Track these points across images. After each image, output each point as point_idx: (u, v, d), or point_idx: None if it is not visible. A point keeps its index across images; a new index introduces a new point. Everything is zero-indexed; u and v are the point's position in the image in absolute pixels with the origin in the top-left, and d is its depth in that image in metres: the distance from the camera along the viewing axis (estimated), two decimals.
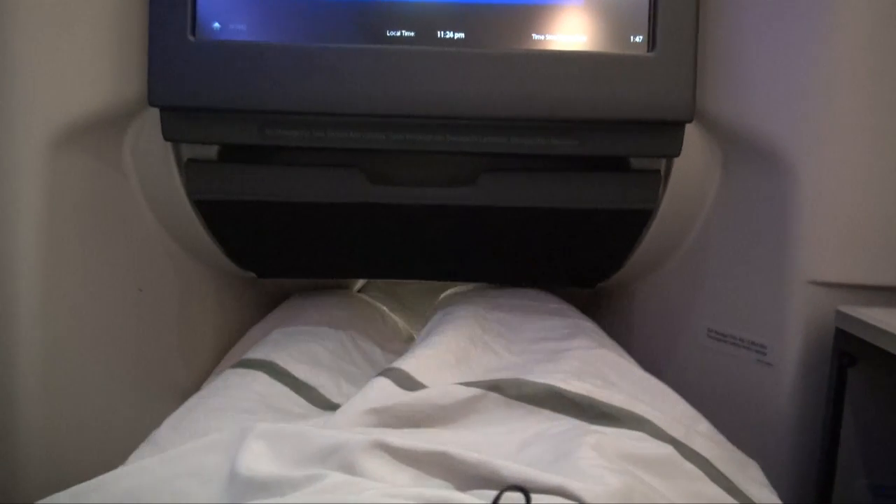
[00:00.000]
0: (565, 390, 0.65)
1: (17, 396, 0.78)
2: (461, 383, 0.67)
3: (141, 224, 0.90)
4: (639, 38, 0.81)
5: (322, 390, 0.78)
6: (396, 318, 1.20)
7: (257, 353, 0.84)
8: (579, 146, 0.84)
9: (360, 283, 1.33)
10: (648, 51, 0.80)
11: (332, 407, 0.74)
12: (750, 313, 0.88)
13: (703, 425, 0.70)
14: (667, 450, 0.59)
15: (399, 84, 0.79)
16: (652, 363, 0.86)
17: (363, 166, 0.88)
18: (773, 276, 0.84)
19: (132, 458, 0.64)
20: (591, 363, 0.75)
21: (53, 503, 0.54)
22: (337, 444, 0.54)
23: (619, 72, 0.80)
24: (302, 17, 0.81)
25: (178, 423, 0.69)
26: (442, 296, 1.19)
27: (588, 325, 0.92)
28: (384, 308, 1.21)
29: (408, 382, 0.69)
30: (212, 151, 0.88)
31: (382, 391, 0.67)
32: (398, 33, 0.80)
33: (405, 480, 0.52)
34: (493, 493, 0.46)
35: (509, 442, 0.60)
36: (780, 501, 0.64)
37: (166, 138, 0.83)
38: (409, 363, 0.72)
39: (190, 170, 0.87)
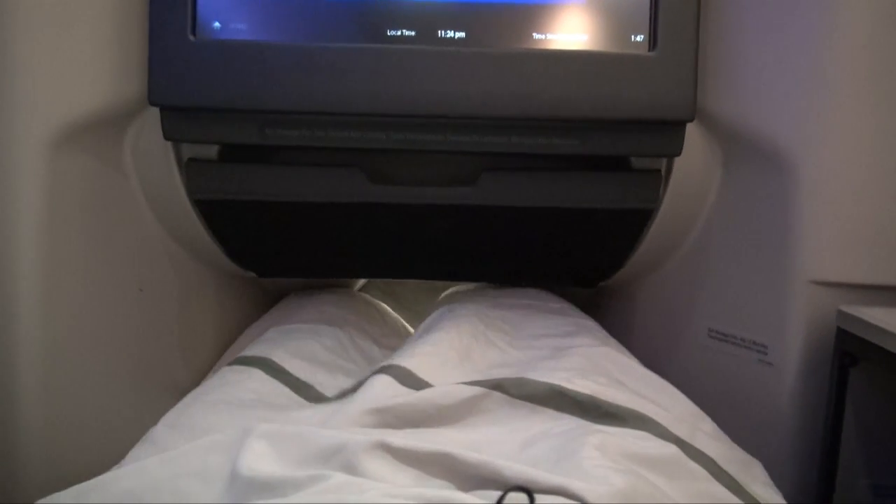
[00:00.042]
0: (568, 389, 0.65)
1: (18, 396, 0.78)
2: (464, 382, 0.67)
3: (141, 224, 0.90)
4: (640, 38, 0.81)
5: (319, 387, 0.78)
6: (396, 316, 1.20)
7: (254, 351, 0.84)
8: (580, 146, 0.84)
9: (361, 282, 1.33)
10: (649, 50, 0.80)
11: None
12: (751, 313, 0.88)
13: (707, 424, 0.70)
14: (671, 449, 0.59)
15: (400, 83, 0.79)
16: (653, 363, 0.86)
17: (364, 166, 0.88)
18: (774, 275, 0.84)
19: (129, 456, 0.64)
20: (594, 360, 0.75)
21: (54, 503, 0.54)
22: (339, 444, 0.54)
23: (619, 71, 0.80)
24: (302, 16, 0.81)
25: (174, 420, 0.68)
26: (442, 295, 1.19)
27: (590, 323, 0.92)
28: (384, 306, 1.21)
29: (411, 380, 0.69)
30: (212, 151, 0.88)
31: (385, 390, 0.67)
32: (399, 33, 0.80)
33: (407, 481, 0.52)
34: (496, 493, 0.46)
35: (512, 441, 0.60)
36: (784, 501, 0.64)
37: (166, 138, 0.82)
38: (412, 361, 0.72)
39: (190, 169, 0.87)
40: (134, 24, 0.79)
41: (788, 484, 0.81)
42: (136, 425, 0.70)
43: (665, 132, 0.84)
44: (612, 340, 0.87)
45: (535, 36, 0.81)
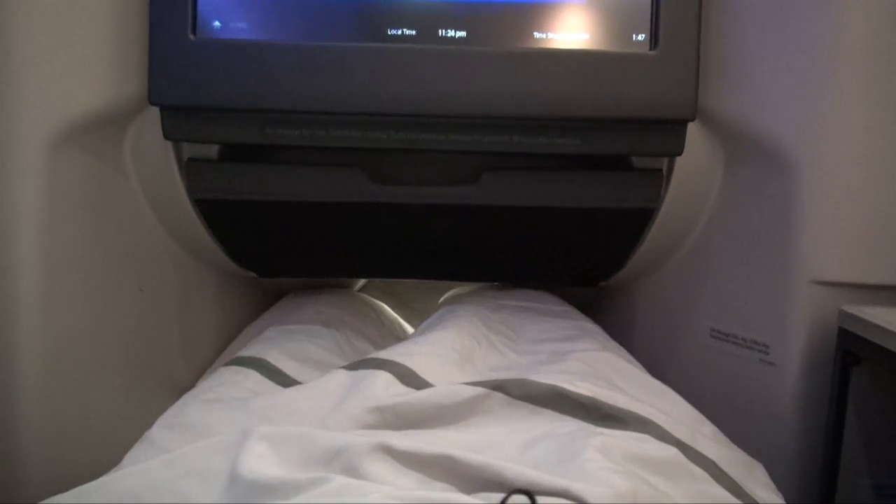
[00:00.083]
0: (570, 391, 0.65)
1: (18, 396, 0.77)
2: (465, 383, 0.66)
3: (141, 223, 0.90)
4: (641, 37, 0.80)
5: None
6: (396, 317, 1.20)
7: (250, 351, 0.84)
8: (581, 145, 0.83)
9: (361, 282, 1.33)
10: (651, 49, 0.80)
11: None
12: (753, 313, 0.88)
13: (708, 427, 0.70)
14: (672, 452, 0.59)
15: (400, 83, 0.79)
16: (654, 363, 0.86)
17: (364, 165, 0.88)
18: (776, 275, 0.84)
19: (128, 457, 0.64)
20: (594, 366, 0.75)
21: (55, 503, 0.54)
22: (340, 446, 0.54)
23: (621, 70, 0.79)
24: (303, 15, 0.80)
25: (171, 421, 0.68)
26: (443, 297, 1.19)
27: (591, 327, 0.92)
28: (383, 307, 1.21)
29: (412, 379, 0.69)
30: (212, 150, 0.88)
31: (386, 388, 0.66)
32: (399, 32, 0.80)
33: (409, 483, 0.52)
34: (498, 495, 0.46)
35: (513, 442, 0.60)
36: (784, 502, 0.63)
37: (167, 137, 0.82)
38: (413, 359, 0.72)
39: (190, 169, 0.87)
40: (134, 23, 0.79)
41: (790, 484, 0.81)
42: (136, 425, 0.70)
43: (666, 131, 0.84)
44: (613, 344, 0.87)
45: (536, 35, 0.81)
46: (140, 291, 0.90)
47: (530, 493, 0.45)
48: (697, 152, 0.87)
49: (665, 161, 0.89)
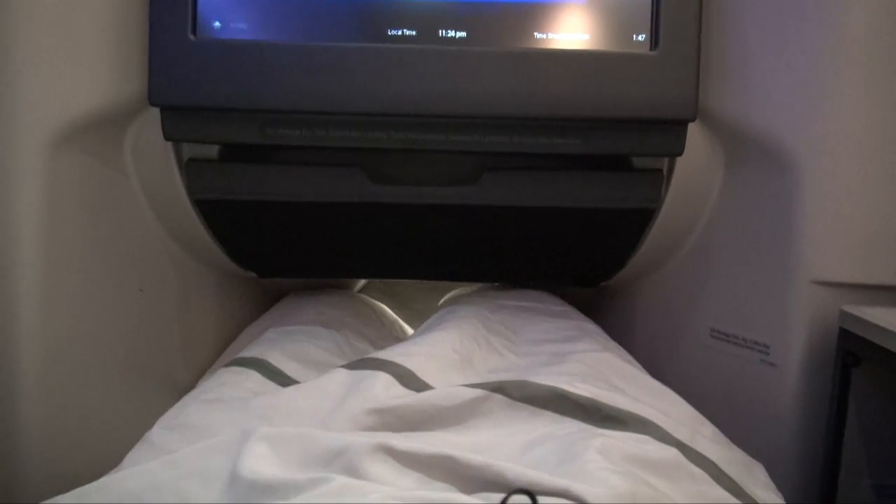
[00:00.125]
0: (570, 392, 0.65)
1: (18, 396, 0.77)
2: (465, 384, 0.66)
3: (141, 224, 0.90)
4: (641, 37, 0.80)
5: None
6: (395, 318, 1.20)
7: (251, 352, 0.84)
8: (582, 145, 0.83)
9: (361, 282, 1.33)
10: (651, 49, 0.80)
11: None
12: (753, 313, 0.88)
13: (708, 428, 0.70)
14: (672, 452, 0.58)
15: (400, 83, 0.79)
16: (655, 363, 0.86)
17: (364, 165, 0.88)
18: (776, 275, 0.84)
19: (128, 458, 0.64)
20: (594, 367, 0.75)
21: None
22: (341, 447, 0.54)
23: (621, 70, 0.79)
24: (303, 15, 0.80)
25: (171, 422, 0.68)
26: (444, 298, 1.19)
27: (591, 327, 0.92)
28: (383, 307, 1.21)
29: (412, 381, 0.69)
30: (212, 151, 0.88)
31: (386, 390, 0.66)
32: (399, 32, 0.80)
33: (409, 484, 0.52)
34: (499, 496, 0.46)
35: (513, 444, 0.60)
36: (784, 503, 0.63)
37: (167, 138, 0.82)
38: (413, 360, 0.72)
39: (190, 169, 0.87)
40: (134, 23, 0.79)
41: (791, 484, 0.82)
42: (137, 425, 0.70)
43: (667, 132, 0.84)
44: (613, 344, 0.87)
45: (537, 35, 0.81)
46: (140, 292, 0.90)
47: (531, 493, 0.45)
48: (698, 152, 0.87)
49: (665, 161, 0.89)
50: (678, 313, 0.99)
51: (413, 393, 0.67)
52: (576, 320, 0.94)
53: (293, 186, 0.88)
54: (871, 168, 0.79)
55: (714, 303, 0.93)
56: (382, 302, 1.24)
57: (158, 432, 0.67)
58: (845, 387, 0.78)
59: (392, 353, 0.74)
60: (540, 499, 0.45)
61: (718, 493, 0.58)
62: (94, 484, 0.55)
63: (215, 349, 1.02)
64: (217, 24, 0.80)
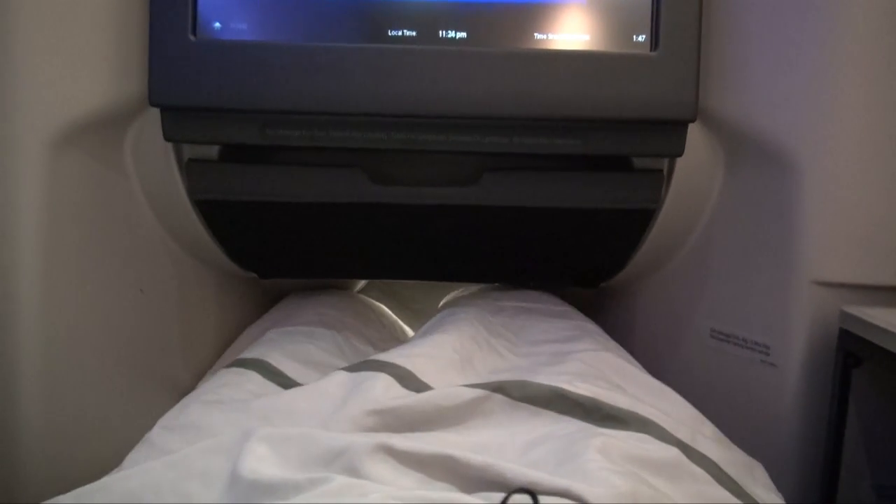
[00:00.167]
0: (570, 392, 0.65)
1: (18, 396, 0.77)
2: (465, 385, 0.66)
3: (141, 224, 0.90)
4: (641, 38, 0.80)
5: None
6: (396, 318, 1.20)
7: (251, 353, 0.84)
8: (582, 146, 0.83)
9: (361, 283, 1.33)
10: (651, 50, 0.80)
11: None
12: (753, 313, 0.88)
13: (708, 428, 0.69)
14: (672, 452, 0.58)
15: (401, 83, 0.79)
16: (655, 363, 0.86)
17: (365, 166, 0.88)
18: (776, 276, 0.84)
19: (128, 459, 0.64)
20: (594, 366, 0.75)
21: None
22: (341, 447, 0.54)
23: (621, 71, 0.79)
24: (303, 16, 0.80)
25: (171, 422, 0.68)
26: (444, 300, 1.19)
27: (591, 327, 0.92)
28: (383, 308, 1.21)
29: (412, 382, 0.69)
30: (213, 151, 0.88)
31: (386, 391, 0.66)
32: (400, 33, 0.80)
33: (410, 483, 0.52)
34: (499, 495, 0.46)
35: (514, 444, 0.60)
36: (784, 503, 0.63)
37: (167, 138, 0.82)
38: (413, 361, 0.72)
39: (191, 170, 0.87)
40: (134, 24, 0.79)
41: (791, 485, 0.81)
42: (136, 425, 0.70)
43: (667, 132, 0.84)
44: (613, 344, 0.87)
45: (537, 36, 0.81)
46: (140, 292, 0.90)
47: (532, 493, 0.45)
48: (698, 153, 0.87)
49: (665, 162, 0.89)
50: (678, 313, 0.99)
51: (413, 394, 0.67)
52: (576, 320, 0.94)
53: (293, 187, 0.88)
54: (871, 168, 0.79)
55: (714, 303, 0.93)
56: (382, 302, 1.24)
57: (159, 433, 0.67)
58: (846, 387, 0.78)
59: (392, 355, 0.74)
60: (540, 498, 0.45)
61: (719, 493, 0.58)
62: (95, 484, 0.55)
63: (215, 349, 1.02)
64: (217, 24, 0.80)
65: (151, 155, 0.86)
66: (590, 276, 1.09)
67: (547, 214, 0.90)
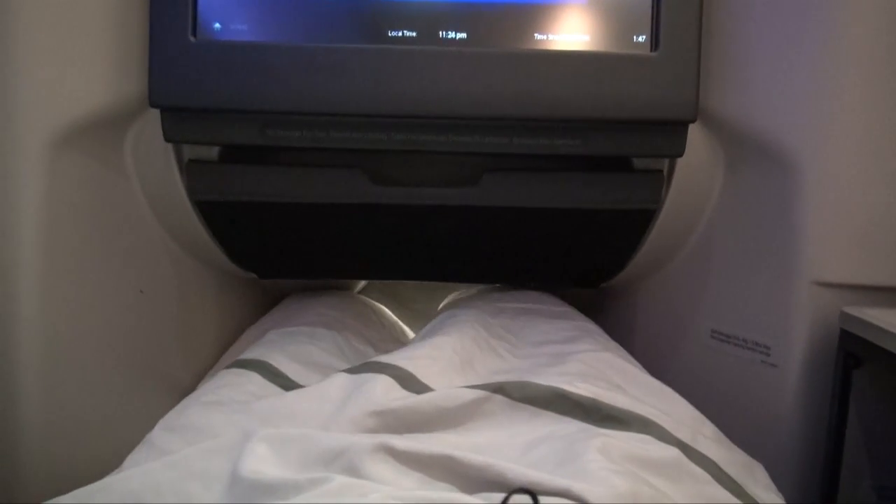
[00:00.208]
0: (571, 392, 0.65)
1: (18, 396, 0.77)
2: (466, 386, 0.66)
3: (142, 225, 0.90)
4: (642, 38, 0.80)
5: None
6: (396, 319, 1.20)
7: (252, 354, 0.84)
8: (582, 146, 0.83)
9: (361, 283, 1.33)
10: (652, 50, 0.80)
11: None
12: (754, 314, 0.88)
13: (709, 428, 0.69)
14: (673, 452, 0.58)
15: (401, 84, 0.79)
16: (655, 364, 0.86)
17: (365, 167, 0.88)
18: (777, 276, 0.84)
19: (129, 460, 0.64)
20: (595, 366, 0.75)
21: None
22: (341, 447, 0.54)
23: (622, 71, 0.79)
24: (303, 17, 0.80)
25: (172, 423, 0.68)
26: (445, 301, 1.19)
27: (591, 327, 0.92)
28: (383, 308, 1.21)
29: (412, 384, 0.69)
30: (213, 152, 0.88)
31: (386, 392, 0.66)
32: (400, 33, 0.80)
33: (410, 483, 0.52)
34: (500, 495, 0.46)
35: (514, 444, 0.60)
36: (785, 503, 0.63)
37: (167, 139, 0.82)
38: (414, 363, 0.72)
39: (191, 170, 0.87)
40: (134, 24, 0.79)
41: (791, 485, 0.81)
42: (136, 426, 0.70)
43: (667, 133, 0.84)
44: (614, 345, 0.87)
45: (537, 36, 0.81)
46: (141, 293, 0.90)
47: (532, 493, 0.45)
48: (698, 153, 0.87)
49: (666, 162, 0.89)
50: (679, 314, 0.99)
51: (413, 395, 0.67)
52: (576, 321, 0.94)
53: (293, 188, 0.88)
54: (872, 169, 0.79)
55: (715, 304, 0.93)
56: (382, 302, 1.24)
57: (159, 434, 0.67)
58: (846, 388, 0.78)
59: (393, 357, 0.74)
60: (541, 499, 0.45)
61: (720, 494, 0.58)
62: (95, 485, 0.54)
63: (215, 350, 1.02)
64: (217, 25, 0.80)
65: (151, 155, 0.86)
66: (590, 276, 1.09)
67: (547, 215, 0.90)
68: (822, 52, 0.78)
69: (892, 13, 0.76)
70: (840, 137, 0.79)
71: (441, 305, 1.18)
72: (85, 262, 0.83)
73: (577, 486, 0.47)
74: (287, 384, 0.77)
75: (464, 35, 0.80)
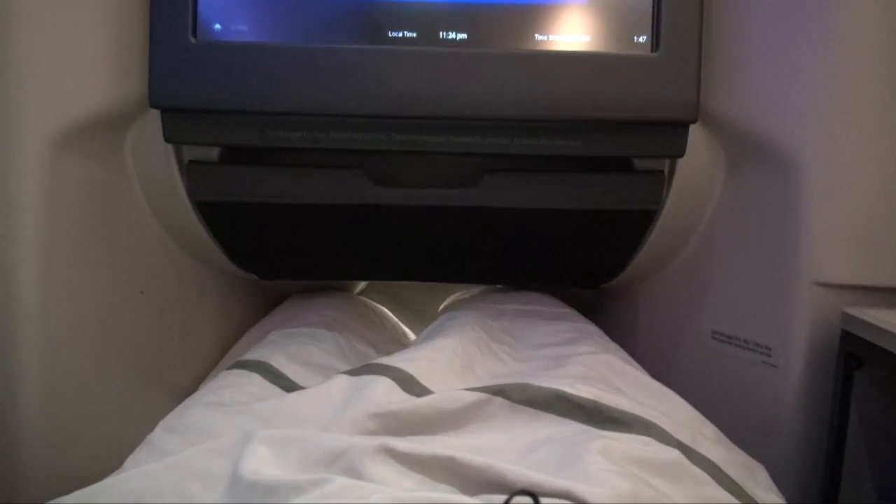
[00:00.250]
0: (571, 394, 0.65)
1: (18, 396, 0.77)
2: (466, 388, 0.66)
3: (142, 225, 0.90)
4: (642, 39, 0.80)
5: None
6: (396, 320, 1.20)
7: (253, 355, 0.84)
8: (582, 147, 0.83)
9: (362, 284, 1.33)
10: (652, 51, 0.80)
11: None
12: (755, 315, 0.88)
13: (710, 429, 0.69)
14: (674, 454, 0.58)
15: (401, 85, 0.79)
16: (656, 365, 0.86)
17: (365, 167, 0.88)
18: (778, 277, 0.84)
19: (129, 461, 0.64)
20: (595, 368, 0.75)
21: None
22: (342, 448, 0.54)
23: (622, 72, 0.79)
24: (303, 17, 0.80)
25: (173, 424, 0.68)
26: (445, 302, 1.19)
27: (591, 329, 0.92)
28: (384, 309, 1.21)
29: (413, 386, 0.69)
30: (213, 153, 0.88)
31: (387, 395, 0.66)
32: (400, 34, 0.80)
33: (411, 485, 0.52)
34: (501, 497, 0.46)
35: (515, 446, 0.60)
36: None
37: (167, 140, 0.82)
38: (415, 366, 0.72)
39: (191, 171, 0.87)
40: (134, 25, 0.79)
41: (793, 486, 0.81)
42: (137, 426, 0.70)
43: (668, 133, 0.84)
44: (614, 346, 0.87)
45: (538, 37, 0.81)
46: (141, 294, 0.90)
47: (533, 495, 0.45)
48: (699, 154, 0.87)
49: (666, 163, 0.89)
50: (680, 315, 0.98)
51: (414, 398, 0.67)
52: (576, 322, 0.94)
53: (294, 188, 0.88)
54: (872, 169, 0.79)
55: (716, 304, 0.93)
56: (383, 303, 1.24)
57: (160, 435, 0.67)
58: (847, 389, 0.78)
59: (393, 359, 0.74)
60: (542, 500, 0.45)
61: (721, 495, 0.58)
62: (96, 485, 0.55)
63: (216, 350, 1.02)
64: (218, 26, 0.80)
65: (152, 156, 0.86)
66: (590, 277, 1.08)
67: (547, 216, 0.90)
68: (823, 53, 0.78)
69: (892, 14, 0.76)
70: (841, 138, 0.79)
71: (441, 307, 1.18)
72: (85, 262, 0.82)
73: (578, 488, 0.47)
74: (288, 385, 0.77)
75: (464, 35, 0.80)
